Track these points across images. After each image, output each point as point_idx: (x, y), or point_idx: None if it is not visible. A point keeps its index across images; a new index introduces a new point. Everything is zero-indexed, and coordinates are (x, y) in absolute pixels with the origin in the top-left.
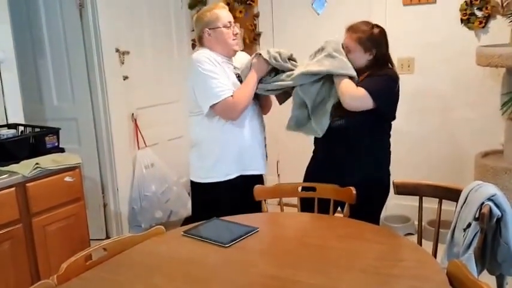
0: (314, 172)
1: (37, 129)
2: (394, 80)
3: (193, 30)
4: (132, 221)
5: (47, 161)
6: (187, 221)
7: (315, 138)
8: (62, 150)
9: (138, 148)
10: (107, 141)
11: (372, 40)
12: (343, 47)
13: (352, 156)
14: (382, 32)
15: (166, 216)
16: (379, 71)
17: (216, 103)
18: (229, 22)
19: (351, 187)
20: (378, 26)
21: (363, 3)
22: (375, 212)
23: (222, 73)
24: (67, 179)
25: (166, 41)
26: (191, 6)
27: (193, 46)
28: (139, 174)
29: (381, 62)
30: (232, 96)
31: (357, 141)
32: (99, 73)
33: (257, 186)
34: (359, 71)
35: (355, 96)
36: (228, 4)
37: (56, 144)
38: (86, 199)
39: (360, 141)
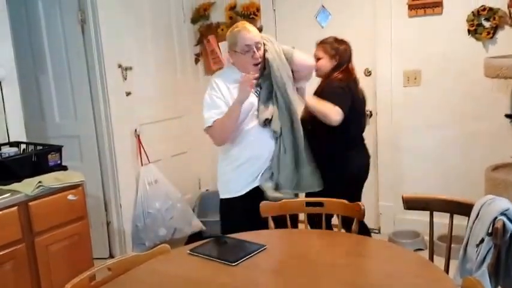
0: None
1: (39, 147)
2: (345, 86)
3: (196, 45)
4: (135, 239)
5: (50, 179)
6: (191, 238)
7: None
8: (65, 168)
9: (142, 164)
10: (109, 158)
11: (336, 49)
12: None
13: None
14: (347, 45)
15: (171, 234)
16: (336, 80)
17: (205, 128)
18: (248, 46)
19: (359, 202)
20: (343, 42)
21: (367, 15)
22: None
23: (224, 99)
24: (70, 197)
25: (169, 56)
26: (194, 21)
27: (197, 61)
28: (143, 191)
29: (343, 69)
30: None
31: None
32: (102, 89)
33: (263, 203)
34: (326, 75)
35: (339, 112)
36: (230, 18)
37: (59, 162)
38: (89, 217)
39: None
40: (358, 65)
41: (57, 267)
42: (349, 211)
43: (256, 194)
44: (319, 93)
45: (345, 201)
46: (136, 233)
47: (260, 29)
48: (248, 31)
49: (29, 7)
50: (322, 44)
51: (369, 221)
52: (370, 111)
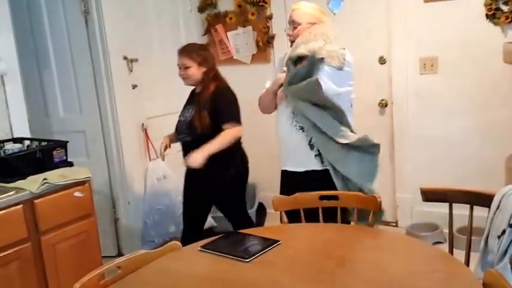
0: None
1: (44, 143)
2: (232, 94)
3: (203, 35)
4: (145, 236)
5: (55, 176)
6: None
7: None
8: (71, 164)
9: (150, 159)
10: (116, 153)
11: (202, 55)
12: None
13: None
14: (209, 50)
15: (180, 230)
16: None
17: None
18: (289, 21)
19: (375, 195)
20: (206, 47)
21: (381, 1)
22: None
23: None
24: (76, 194)
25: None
26: (201, 10)
27: None
28: (151, 187)
29: (216, 75)
30: None
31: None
32: (107, 82)
33: (276, 196)
34: (201, 83)
35: (237, 129)
36: (239, 6)
37: (64, 158)
38: (96, 214)
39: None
40: (372, 52)
41: (64, 267)
42: (365, 204)
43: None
44: (209, 102)
45: (361, 193)
46: (146, 230)
47: (270, 17)
48: (293, 9)
49: (33, 1)
50: (185, 51)
51: (386, 214)
52: (385, 101)
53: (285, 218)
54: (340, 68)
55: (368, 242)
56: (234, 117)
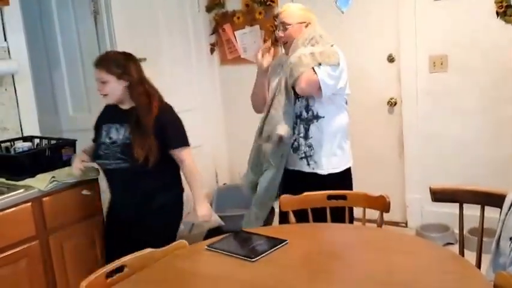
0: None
1: (53, 142)
2: (176, 113)
3: (211, 34)
4: None
5: (64, 174)
6: (210, 233)
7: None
8: None
9: None
10: None
11: (122, 66)
12: None
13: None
14: (134, 59)
15: (188, 229)
16: (163, 112)
17: None
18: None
19: (383, 194)
20: (129, 56)
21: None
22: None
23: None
24: (84, 192)
25: (183, 46)
26: (209, 9)
27: (212, 50)
28: None
29: (140, 89)
30: None
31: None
32: None
33: (284, 196)
34: (121, 101)
35: (189, 152)
36: (247, 5)
37: (73, 156)
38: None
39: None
40: (381, 51)
41: (72, 265)
42: (373, 204)
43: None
44: (154, 125)
45: (369, 194)
46: None
47: (277, 16)
48: (280, 11)
49: (43, 1)
50: (101, 63)
51: (395, 214)
52: (395, 99)
53: (292, 218)
54: (338, 64)
55: (377, 242)
56: (186, 139)
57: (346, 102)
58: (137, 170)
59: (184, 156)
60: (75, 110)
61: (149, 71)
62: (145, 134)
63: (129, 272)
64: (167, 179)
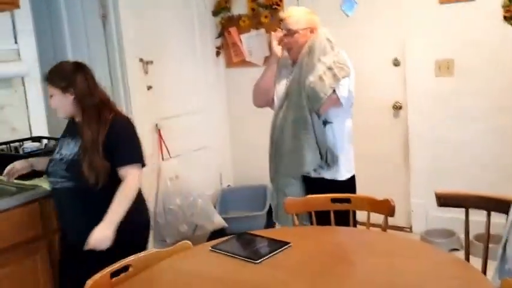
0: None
1: None
2: (132, 126)
3: (217, 37)
4: (156, 236)
5: None
6: (213, 235)
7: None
8: None
9: (162, 159)
10: None
11: (67, 78)
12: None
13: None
14: (85, 70)
15: (192, 231)
16: (113, 124)
17: None
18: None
19: (388, 198)
20: (79, 66)
21: (396, 2)
22: None
23: None
24: None
25: (190, 49)
26: (215, 13)
27: (218, 53)
28: (164, 187)
29: (89, 102)
30: None
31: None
32: (123, 84)
33: (288, 199)
34: (72, 115)
35: (136, 175)
36: (253, 9)
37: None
38: None
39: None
40: (386, 54)
41: None
42: (378, 208)
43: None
44: (103, 141)
45: (373, 197)
46: (158, 229)
47: (281, 20)
48: (285, 17)
49: (50, 2)
50: (48, 77)
51: (400, 219)
52: (399, 103)
53: (296, 221)
54: (349, 74)
55: (381, 246)
56: (134, 156)
57: (351, 106)
58: (84, 191)
59: (128, 173)
60: None
61: (156, 73)
62: (94, 151)
63: (134, 271)
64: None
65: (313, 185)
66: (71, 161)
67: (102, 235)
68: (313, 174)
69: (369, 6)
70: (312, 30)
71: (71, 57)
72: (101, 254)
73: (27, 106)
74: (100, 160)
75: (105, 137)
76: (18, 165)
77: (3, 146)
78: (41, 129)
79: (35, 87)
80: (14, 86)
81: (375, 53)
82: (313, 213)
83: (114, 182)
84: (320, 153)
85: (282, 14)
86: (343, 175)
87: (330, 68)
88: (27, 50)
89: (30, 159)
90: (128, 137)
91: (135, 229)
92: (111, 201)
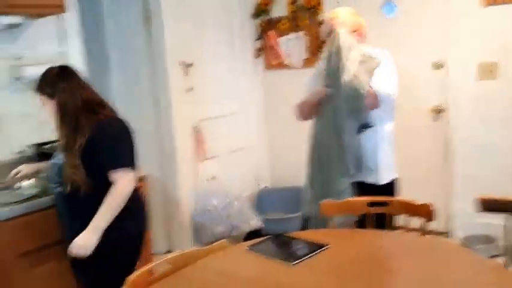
0: None
1: None
2: (119, 129)
3: (256, 40)
4: (194, 235)
5: None
6: (249, 236)
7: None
8: None
9: (200, 160)
10: (170, 154)
11: (52, 85)
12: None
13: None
14: (61, 73)
15: (229, 231)
16: (96, 128)
17: None
18: None
19: (427, 203)
20: (68, 73)
21: (438, 5)
22: None
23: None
24: None
25: (229, 51)
26: (255, 16)
27: (257, 56)
28: (201, 188)
29: (70, 107)
30: None
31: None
32: (164, 85)
33: (324, 201)
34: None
35: (127, 179)
36: (292, 12)
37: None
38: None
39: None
40: (427, 57)
41: None
42: (416, 212)
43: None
44: (85, 143)
45: (412, 201)
46: (195, 229)
47: (321, 23)
48: (331, 18)
49: (96, 6)
50: (36, 85)
51: (439, 224)
52: (440, 107)
53: (333, 223)
54: (379, 64)
55: (419, 251)
56: (121, 160)
57: (393, 109)
58: (73, 196)
59: (118, 178)
60: (125, 113)
61: (196, 75)
62: (70, 157)
63: (172, 269)
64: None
65: (353, 188)
66: (60, 167)
67: (84, 242)
68: (356, 179)
69: (409, 8)
70: (359, 34)
71: (114, 59)
72: (86, 260)
73: None
74: (76, 167)
75: (87, 142)
76: (25, 169)
77: (48, 146)
78: None
79: None
80: None
81: (415, 55)
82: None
83: (108, 187)
84: (346, 159)
85: (326, 15)
86: (383, 179)
87: (361, 62)
88: (74, 52)
89: (40, 164)
90: (112, 141)
91: (124, 237)
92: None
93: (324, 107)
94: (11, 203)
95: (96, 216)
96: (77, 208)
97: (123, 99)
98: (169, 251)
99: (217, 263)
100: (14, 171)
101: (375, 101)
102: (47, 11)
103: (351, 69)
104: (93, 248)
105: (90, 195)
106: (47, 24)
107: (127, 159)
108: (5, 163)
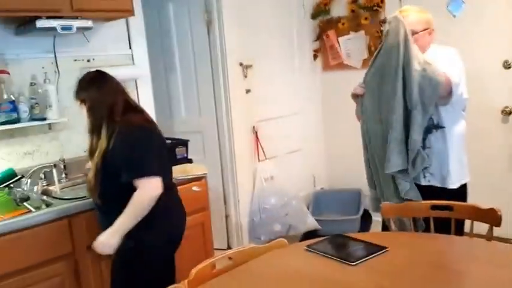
0: None
1: (168, 141)
2: (136, 136)
3: (315, 41)
4: (252, 233)
5: (177, 171)
6: (306, 236)
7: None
8: (190, 161)
9: (259, 160)
10: (229, 154)
11: (85, 91)
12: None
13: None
14: (91, 76)
15: (285, 230)
16: (115, 137)
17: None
18: None
19: (494, 207)
20: (92, 73)
21: (505, 2)
22: None
23: None
24: (194, 188)
25: (287, 52)
26: (314, 16)
27: (315, 57)
28: (259, 187)
29: (98, 112)
30: None
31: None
32: (224, 87)
33: (385, 203)
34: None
35: (153, 187)
36: (352, 11)
37: (185, 155)
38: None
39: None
40: (495, 56)
41: (182, 253)
42: (482, 217)
43: None
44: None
45: (478, 205)
46: (253, 227)
47: (383, 21)
48: (402, 12)
49: (160, 10)
50: (75, 91)
51: (507, 230)
52: (510, 108)
53: (392, 226)
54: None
55: (485, 257)
56: (141, 169)
57: (464, 110)
58: (102, 207)
59: (140, 185)
60: (187, 113)
61: (254, 77)
62: (93, 163)
63: (233, 264)
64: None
65: (421, 192)
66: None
67: (105, 241)
68: (423, 182)
69: (476, 5)
70: (430, 32)
71: (177, 61)
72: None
73: None
74: (95, 173)
75: (106, 150)
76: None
77: None
78: None
79: (146, 89)
80: (128, 88)
81: (483, 54)
82: (410, 219)
83: (130, 195)
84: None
85: (393, 14)
86: (454, 183)
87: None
88: (139, 54)
89: None
90: (130, 149)
91: (140, 247)
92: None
93: (367, 105)
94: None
95: (117, 221)
96: (108, 213)
97: (185, 100)
98: (229, 248)
99: (277, 260)
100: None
101: (449, 88)
102: (116, 15)
103: (420, 58)
104: (113, 249)
105: (111, 202)
106: (115, 27)
107: (148, 167)
108: (77, 160)
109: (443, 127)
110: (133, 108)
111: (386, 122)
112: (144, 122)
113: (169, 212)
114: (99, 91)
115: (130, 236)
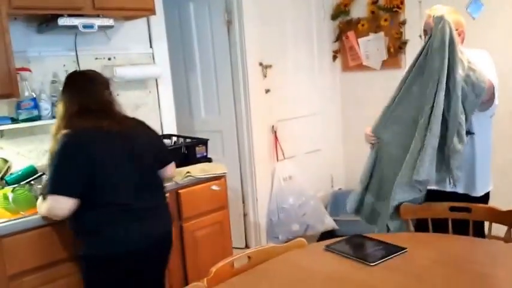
0: None
1: (188, 140)
2: (60, 149)
3: (334, 41)
4: (270, 232)
5: (197, 170)
6: (323, 236)
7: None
8: (210, 160)
9: (277, 160)
10: (248, 153)
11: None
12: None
13: None
14: (69, 76)
15: (303, 230)
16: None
17: None
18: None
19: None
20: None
21: None
22: None
23: None
24: (213, 187)
25: (307, 53)
26: (334, 17)
27: (334, 58)
28: (278, 186)
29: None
30: None
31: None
32: (243, 86)
33: (405, 204)
34: None
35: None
36: (372, 12)
37: (205, 154)
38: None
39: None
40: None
41: (201, 252)
42: (500, 219)
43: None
44: None
45: (496, 207)
46: (271, 227)
47: (403, 23)
48: (429, 15)
49: (181, 9)
50: None
51: None
52: None
53: (411, 227)
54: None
55: (504, 259)
56: (49, 186)
57: (492, 116)
58: None
59: (48, 201)
60: (206, 112)
61: (274, 77)
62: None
63: (253, 262)
64: (74, 225)
65: (444, 199)
66: None
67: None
68: (448, 188)
69: (496, 8)
70: (460, 33)
71: (197, 60)
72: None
73: (159, 105)
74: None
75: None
76: None
77: None
78: (170, 127)
79: (167, 88)
80: (148, 87)
81: (504, 57)
82: (429, 220)
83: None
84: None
85: (427, 12)
86: (478, 191)
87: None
88: (160, 53)
89: None
90: (50, 162)
91: (88, 256)
92: (79, 221)
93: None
94: None
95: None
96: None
97: (205, 99)
98: (247, 247)
99: (295, 260)
100: None
101: (491, 93)
102: (138, 14)
103: (464, 62)
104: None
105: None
106: (136, 26)
107: (50, 185)
108: None
109: (473, 133)
110: (89, 111)
111: (421, 127)
112: (79, 130)
113: (110, 224)
114: (62, 95)
115: (79, 244)
